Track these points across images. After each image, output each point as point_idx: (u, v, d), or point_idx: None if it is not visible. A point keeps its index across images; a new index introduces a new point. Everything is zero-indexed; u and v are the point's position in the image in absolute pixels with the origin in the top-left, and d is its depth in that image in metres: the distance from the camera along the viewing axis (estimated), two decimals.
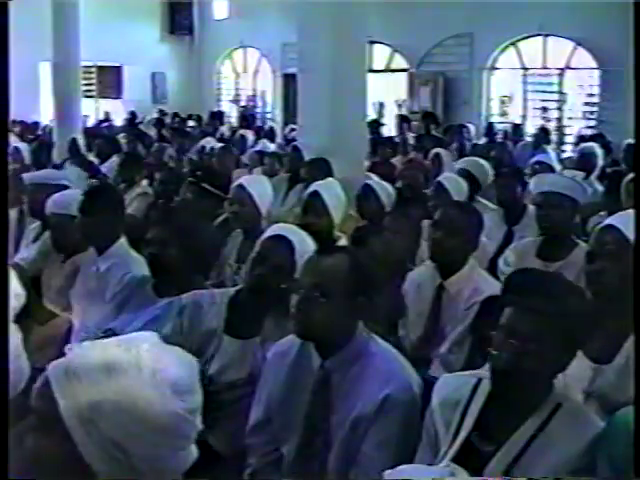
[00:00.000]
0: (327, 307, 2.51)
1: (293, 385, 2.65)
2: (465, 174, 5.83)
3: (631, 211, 3.18)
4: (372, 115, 13.79)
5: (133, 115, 15.92)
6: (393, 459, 2.43)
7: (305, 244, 3.00)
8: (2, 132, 1.73)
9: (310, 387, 2.61)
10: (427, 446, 2.41)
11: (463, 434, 2.30)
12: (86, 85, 15.85)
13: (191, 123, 14.88)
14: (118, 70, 18.88)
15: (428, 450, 2.38)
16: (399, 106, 15.44)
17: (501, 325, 2.26)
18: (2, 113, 1.78)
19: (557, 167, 7.21)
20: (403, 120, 13.36)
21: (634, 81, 3.80)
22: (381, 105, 15.64)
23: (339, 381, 2.58)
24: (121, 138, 10.35)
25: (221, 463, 2.98)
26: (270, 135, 12.17)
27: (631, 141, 8.98)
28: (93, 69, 18.11)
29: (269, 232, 3.10)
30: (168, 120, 15.39)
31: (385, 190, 5.21)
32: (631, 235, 2.86)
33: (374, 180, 5.51)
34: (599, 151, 8.08)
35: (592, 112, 13.28)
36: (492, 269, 4.26)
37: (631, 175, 5.58)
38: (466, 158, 7.11)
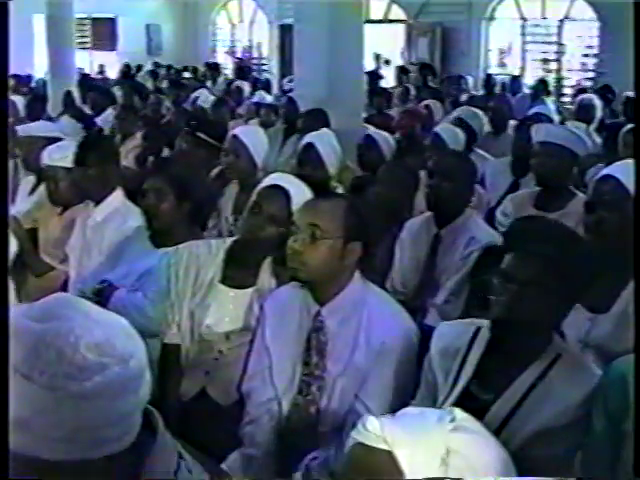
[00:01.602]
0: (322, 248, 2.51)
1: (290, 332, 2.66)
2: (460, 124, 5.81)
3: (629, 160, 3.17)
4: (371, 66, 13.69)
5: (127, 67, 15.78)
6: (390, 406, 2.45)
7: (302, 194, 2.98)
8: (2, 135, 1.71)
9: (306, 334, 2.62)
10: (425, 394, 2.42)
11: (462, 383, 2.30)
12: (80, 37, 15.70)
13: (186, 75, 14.75)
14: (112, 22, 18.70)
15: (427, 398, 2.39)
16: (386, 62, 15.28)
17: (501, 271, 2.25)
18: (2, 114, 1.76)
19: (556, 118, 7.15)
20: (402, 71, 13.26)
21: (634, 69, 3.76)
22: (378, 57, 15.51)
23: (335, 328, 2.59)
24: (116, 90, 10.26)
25: (220, 412, 3.00)
26: (266, 87, 12.08)
27: (630, 94, 8.93)
28: (87, 21, 17.92)
29: (265, 182, 3.07)
30: (163, 72, 15.24)
31: (386, 141, 5.19)
32: (629, 185, 2.85)
33: (375, 131, 5.47)
34: (598, 103, 8.04)
35: (591, 64, 13.19)
36: (492, 219, 4.26)
37: (629, 126, 5.56)
38: (461, 108, 7.07)
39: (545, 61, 13.99)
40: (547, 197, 4.10)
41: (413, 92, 10.44)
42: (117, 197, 3.96)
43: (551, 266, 2.17)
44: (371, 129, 5.75)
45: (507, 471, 1.33)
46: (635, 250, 1.91)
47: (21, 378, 1.19)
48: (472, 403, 2.23)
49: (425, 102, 7.91)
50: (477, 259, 3.35)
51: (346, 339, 2.58)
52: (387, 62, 15.18)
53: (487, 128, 6.36)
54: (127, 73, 15.34)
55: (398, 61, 15.27)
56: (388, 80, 14.00)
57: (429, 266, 3.71)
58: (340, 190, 4.44)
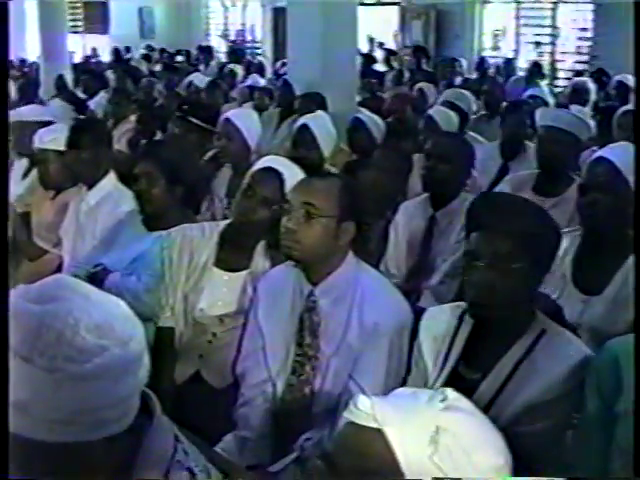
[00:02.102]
0: (316, 226, 2.50)
1: (283, 313, 2.66)
2: (450, 106, 5.81)
3: (623, 143, 3.18)
4: (365, 50, 13.66)
5: (117, 51, 15.69)
6: (384, 386, 2.46)
7: (295, 176, 2.96)
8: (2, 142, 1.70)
9: (299, 314, 2.63)
10: (417, 378, 2.42)
11: (450, 364, 2.32)
12: (72, 21, 15.62)
13: (179, 58, 14.69)
14: (104, 5, 18.61)
15: (418, 382, 2.39)
16: (380, 45, 15.22)
17: (467, 251, 2.26)
18: (2, 110, 1.75)
19: (551, 101, 7.15)
20: (391, 54, 13.23)
21: (634, 65, 3.74)
22: (372, 40, 15.46)
23: (328, 307, 2.59)
24: (110, 74, 10.23)
25: (214, 395, 3.01)
26: (260, 70, 12.04)
27: (620, 78, 8.93)
28: (79, 4, 17.83)
29: (259, 164, 3.07)
30: (156, 55, 15.18)
31: (375, 123, 5.18)
32: (622, 167, 2.85)
33: (364, 113, 5.47)
34: (592, 86, 8.04)
35: (586, 47, 13.16)
36: None
37: (624, 108, 5.56)
38: (449, 90, 7.07)
39: (539, 44, 13.96)
40: (546, 181, 4.09)
41: (407, 75, 10.42)
42: (110, 181, 3.95)
43: (518, 242, 2.16)
44: (364, 112, 5.74)
45: (498, 450, 1.33)
46: (635, 240, 1.91)
47: (20, 360, 1.19)
48: (461, 384, 2.24)
49: (418, 85, 7.89)
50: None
51: (339, 319, 2.58)
52: (381, 45, 15.13)
53: (480, 111, 6.35)
54: (119, 56, 15.27)
55: (391, 44, 15.23)
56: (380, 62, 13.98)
57: (424, 248, 3.71)
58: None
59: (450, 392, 1.39)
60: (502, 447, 1.35)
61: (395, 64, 12.87)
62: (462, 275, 2.31)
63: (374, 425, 1.33)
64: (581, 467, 2.24)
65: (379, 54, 14.09)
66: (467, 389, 2.20)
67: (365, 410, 1.34)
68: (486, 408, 2.19)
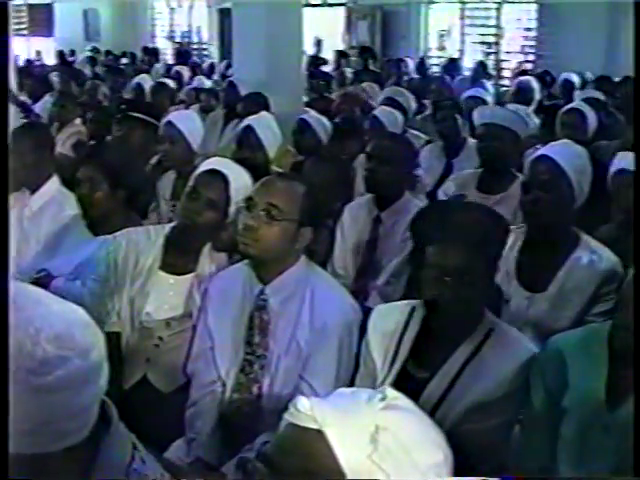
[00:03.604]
0: (277, 227, 2.50)
1: (233, 312, 2.66)
2: (391, 103, 5.87)
3: (565, 140, 3.22)
4: (310, 51, 13.67)
5: (62, 54, 15.49)
6: (334, 385, 2.47)
7: (240, 178, 2.97)
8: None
9: (249, 313, 2.63)
10: (365, 376, 2.44)
11: (399, 363, 2.33)
12: (17, 24, 15.40)
13: (124, 60, 14.56)
14: (49, 7, 18.37)
15: (366, 380, 2.41)
16: (318, 42, 15.24)
17: (427, 263, 2.26)
18: (2, 115, 1.73)
19: (490, 100, 7.21)
20: (341, 55, 13.25)
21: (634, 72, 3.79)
22: (319, 42, 15.47)
23: (278, 307, 2.60)
24: (54, 77, 10.09)
25: (162, 400, 2.98)
26: (206, 71, 11.99)
27: (566, 76, 9.06)
28: (23, 7, 17.58)
29: (203, 166, 3.05)
30: (101, 58, 15.02)
31: (321, 124, 5.19)
32: (564, 164, 2.89)
33: (310, 114, 5.48)
34: (536, 85, 8.13)
35: (530, 47, 13.30)
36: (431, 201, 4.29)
37: (566, 107, 5.64)
38: (389, 88, 7.12)
39: (484, 44, 14.08)
40: (490, 179, 4.14)
41: (350, 76, 10.45)
42: (53, 185, 3.90)
43: (474, 250, 2.19)
44: (310, 112, 5.75)
45: (438, 447, 1.34)
46: (635, 242, 1.94)
47: None
48: (410, 382, 2.26)
49: (362, 85, 7.94)
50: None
51: (289, 318, 2.59)
52: (317, 46, 15.14)
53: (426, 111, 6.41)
54: (64, 59, 15.08)
55: (339, 45, 15.25)
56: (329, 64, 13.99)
57: (370, 249, 3.73)
58: None
59: (389, 391, 1.39)
60: (442, 444, 1.36)
61: (344, 65, 12.89)
62: (420, 286, 2.31)
63: (314, 426, 1.33)
64: (528, 462, 2.27)
65: (326, 55, 14.12)
66: (416, 388, 2.23)
67: (304, 411, 1.34)
68: (435, 406, 2.22)
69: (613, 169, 3.48)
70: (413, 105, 6.32)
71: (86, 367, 1.23)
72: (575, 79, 9.04)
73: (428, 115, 6.87)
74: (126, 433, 1.41)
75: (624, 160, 3.42)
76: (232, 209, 2.92)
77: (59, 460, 1.25)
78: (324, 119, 5.33)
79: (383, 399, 1.36)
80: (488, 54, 13.82)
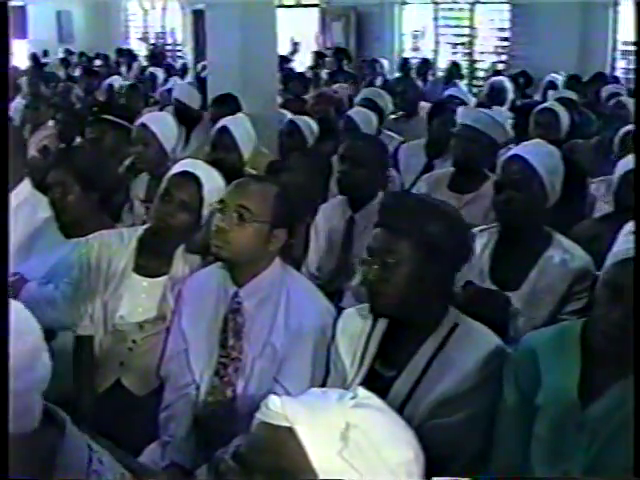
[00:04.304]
0: (249, 230, 2.51)
1: (207, 314, 2.66)
2: (369, 103, 5.87)
3: (537, 140, 3.23)
4: (286, 52, 13.65)
5: (35, 56, 15.37)
6: (308, 389, 2.45)
7: (213, 180, 2.96)
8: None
9: (223, 315, 2.62)
10: (335, 378, 2.45)
11: (367, 363, 2.34)
12: None
13: (98, 62, 14.48)
14: (22, 10, 18.20)
15: (337, 382, 2.41)
16: (294, 44, 15.25)
17: (369, 247, 2.29)
18: (3, 113, 1.72)
19: (471, 101, 7.23)
20: (319, 56, 13.27)
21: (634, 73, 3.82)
22: (295, 43, 15.47)
23: (252, 309, 2.60)
24: (26, 80, 10.02)
25: (136, 403, 2.97)
26: (181, 73, 11.96)
27: (550, 77, 9.10)
28: None
29: (175, 168, 3.04)
30: (75, 60, 14.93)
31: (308, 126, 5.19)
32: (536, 164, 2.90)
33: (298, 116, 5.47)
34: (509, 85, 8.18)
35: (503, 47, 13.37)
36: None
37: (539, 106, 5.67)
38: (367, 89, 7.13)
39: (457, 44, 14.13)
40: (461, 179, 4.15)
41: (324, 77, 10.46)
42: (25, 187, 3.86)
43: (420, 244, 2.19)
44: (286, 114, 5.75)
45: (408, 444, 1.35)
46: (636, 242, 1.95)
47: None
48: (378, 382, 2.27)
49: (334, 86, 7.96)
50: None
51: (263, 321, 2.59)
52: (294, 49, 15.13)
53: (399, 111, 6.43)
54: (36, 62, 14.97)
55: (314, 46, 15.25)
56: (305, 65, 13.99)
57: (344, 250, 3.73)
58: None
59: (361, 390, 1.40)
60: (412, 441, 1.37)
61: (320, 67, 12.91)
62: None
63: (285, 424, 1.34)
64: (501, 461, 2.28)
65: (300, 56, 14.12)
66: (384, 386, 2.24)
67: (276, 409, 1.35)
68: (403, 404, 2.23)
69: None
70: (390, 106, 6.33)
71: (22, 350, 1.25)
72: (559, 79, 9.07)
73: (402, 115, 6.89)
74: (80, 435, 1.42)
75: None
76: (205, 211, 2.92)
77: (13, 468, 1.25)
78: (311, 122, 5.32)
79: (354, 397, 1.37)
80: (462, 54, 13.88)
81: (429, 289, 2.26)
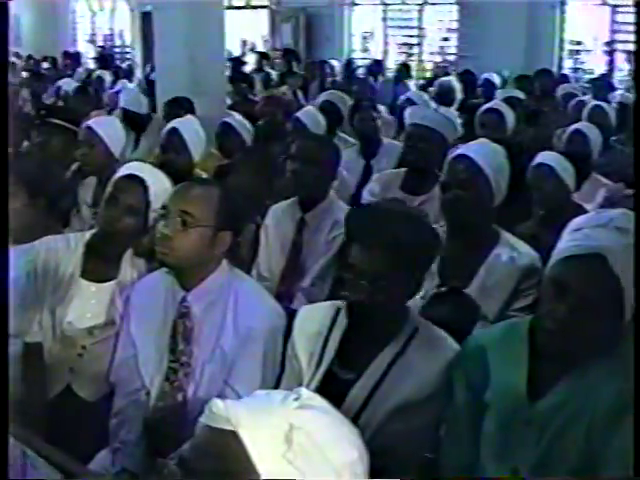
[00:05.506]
0: (192, 235, 2.49)
1: (155, 319, 2.64)
2: (328, 107, 5.91)
3: (482, 139, 3.26)
4: (237, 53, 13.62)
5: None
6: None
7: (160, 183, 2.94)
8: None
9: (172, 320, 2.61)
10: (291, 378, 2.43)
11: (325, 364, 2.33)
12: None
13: (45, 65, 14.30)
14: None
15: (292, 381, 2.40)
16: (252, 49, 15.21)
17: (348, 264, 2.27)
18: (3, 111, 1.70)
19: (430, 103, 7.26)
20: (263, 57, 13.24)
21: (633, 74, 3.87)
22: (245, 43, 15.43)
23: (201, 313, 2.59)
24: None
25: (86, 409, 2.94)
26: (129, 75, 11.86)
27: (487, 76, 9.19)
28: None
29: (121, 171, 3.01)
30: (22, 63, 14.72)
31: (244, 127, 5.19)
32: (482, 162, 2.93)
33: (233, 117, 5.47)
34: (457, 85, 8.24)
35: (451, 47, 13.47)
36: (354, 204, 4.30)
37: (485, 106, 5.73)
38: (327, 91, 7.16)
39: (406, 45, 14.21)
40: (414, 180, 4.17)
41: (274, 78, 10.45)
42: None
43: (395, 255, 2.19)
44: (233, 116, 5.74)
45: (352, 445, 1.36)
46: (636, 242, 1.97)
47: None
48: (336, 384, 2.27)
49: (281, 89, 7.96)
50: (343, 242, 3.39)
51: (212, 324, 2.58)
52: (252, 49, 15.12)
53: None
54: None
55: (262, 47, 15.23)
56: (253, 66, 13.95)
57: (295, 251, 3.73)
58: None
59: (304, 391, 1.41)
60: (356, 442, 1.38)
61: (267, 68, 12.88)
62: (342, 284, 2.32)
63: (228, 427, 1.34)
64: (451, 459, 2.29)
65: (251, 58, 14.06)
66: (342, 389, 2.24)
67: (219, 413, 1.35)
68: (361, 408, 2.23)
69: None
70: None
71: None
72: (496, 79, 9.17)
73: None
74: (14, 443, 1.40)
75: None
76: (152, 215, 2.89)
77: None
78: (247, 122, 5.31)
79: (297, 399, 1.37)
80: (411, 55, 13.96)
81: (401, 293, 2.27)
